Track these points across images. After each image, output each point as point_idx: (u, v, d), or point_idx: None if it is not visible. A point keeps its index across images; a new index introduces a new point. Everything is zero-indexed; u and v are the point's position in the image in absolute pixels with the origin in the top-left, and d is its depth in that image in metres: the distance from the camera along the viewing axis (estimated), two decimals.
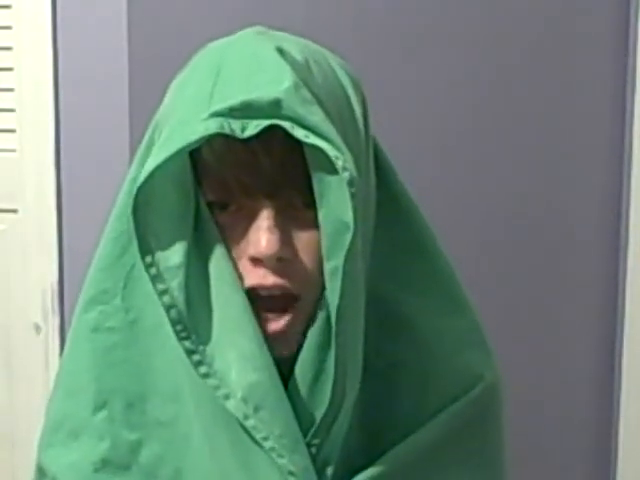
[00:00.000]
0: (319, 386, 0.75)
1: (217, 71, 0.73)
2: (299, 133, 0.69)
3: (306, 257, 0.75)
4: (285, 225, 0.74)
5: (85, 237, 1.56)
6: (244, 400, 0.73)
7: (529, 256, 1.68)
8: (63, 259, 1.81)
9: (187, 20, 1.67)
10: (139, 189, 0.72)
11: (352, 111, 0.77)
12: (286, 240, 0.74)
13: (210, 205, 0.76)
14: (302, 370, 0.75)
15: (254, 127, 0.69)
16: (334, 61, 0.80)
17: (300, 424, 0.74)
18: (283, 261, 0.74)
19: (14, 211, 1.83)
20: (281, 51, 0.73)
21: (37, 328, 1.82)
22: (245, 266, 0.75)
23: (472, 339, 0.86)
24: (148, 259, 0.74)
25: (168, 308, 0.74)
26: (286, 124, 0.69)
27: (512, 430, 1.70)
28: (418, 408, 0.81)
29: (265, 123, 0.69)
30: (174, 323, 0.73)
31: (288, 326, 0.76)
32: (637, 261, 1.63)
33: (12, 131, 1.82)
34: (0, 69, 1.81)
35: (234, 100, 0.70)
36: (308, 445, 0.74)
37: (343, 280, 0.71)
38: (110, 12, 1.72)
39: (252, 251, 0.74)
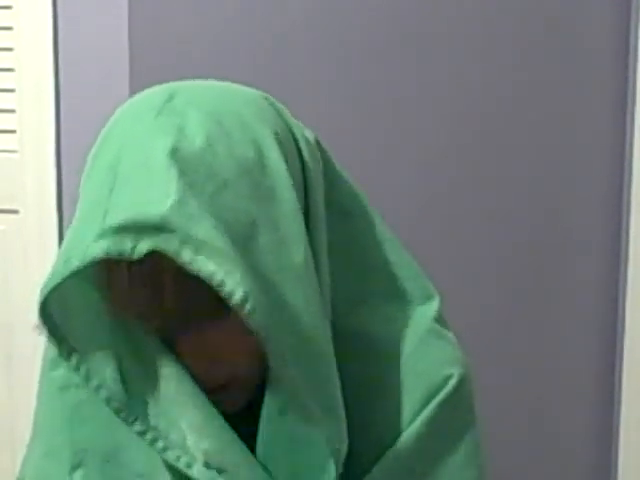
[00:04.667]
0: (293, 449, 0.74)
1: (114, 174, 0.71)
2: (185, 257, 0.65)
3: (242, 359, 0.74)
4: (213, 339, 0.72)
5: None
6: (206, 465, 0.74)
7: (529, 256, 1.68)
8: None
9: (187, 20, 1.68)
10: (44, 302, 0.70)
11: (267, 174, 0.72)
12: (217, 353, 0.73)
13: None
14: (266, 439, 0.75)
15: (143, 247, 0.66)
16: (253, 114, 0.75)
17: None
18: (220, 365, 0.74)
19: (15, 212, 1.84)
20: (174, 152, 0.69)
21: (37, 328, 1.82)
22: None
23: (432, 335, 0.83)
24: (73, 360, 0.74)
25: (107, 401, 0.74)
26: (171, 248, 0.65)
27: (512, 430, 1.70)
28: (393, 423, 0.80)
29: (148, 247, 0.65)
30: (117, 412, 0.74)
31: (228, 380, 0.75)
32: (638, 261, 1.63)
33: (13, 132, 1.82)
34: (1, 70, 1.82)
35: (121, 219, 0.66)
36: None
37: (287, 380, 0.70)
38: (111, 13, 1.72)
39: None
